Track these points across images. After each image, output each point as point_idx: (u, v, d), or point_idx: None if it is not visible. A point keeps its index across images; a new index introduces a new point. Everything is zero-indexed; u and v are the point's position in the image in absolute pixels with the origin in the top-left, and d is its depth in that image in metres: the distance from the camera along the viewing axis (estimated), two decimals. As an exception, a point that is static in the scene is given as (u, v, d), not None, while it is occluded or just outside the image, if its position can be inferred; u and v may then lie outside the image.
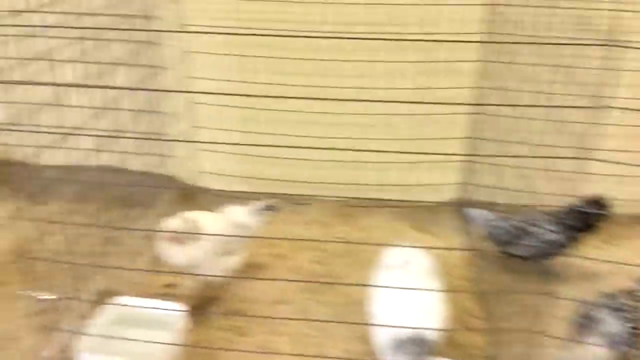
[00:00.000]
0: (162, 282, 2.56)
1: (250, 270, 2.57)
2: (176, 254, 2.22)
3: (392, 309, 1.93)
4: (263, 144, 3.07)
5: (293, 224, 2.96)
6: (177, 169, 3.28)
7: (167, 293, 2.51)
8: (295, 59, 2.90)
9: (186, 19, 2.91)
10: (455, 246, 2.83)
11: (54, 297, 1.83)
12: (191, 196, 3.23)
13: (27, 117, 3.01)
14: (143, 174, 3.30)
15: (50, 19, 2.44)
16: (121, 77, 2.87)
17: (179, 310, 2.14)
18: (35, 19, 2.49)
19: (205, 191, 3.25)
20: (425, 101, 2.81)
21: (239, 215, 2.44)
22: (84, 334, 2.01)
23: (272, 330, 2.29)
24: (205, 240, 2.23)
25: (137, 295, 2.28)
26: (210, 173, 3.23)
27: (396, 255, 2.13)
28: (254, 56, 2.94)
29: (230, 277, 2.39)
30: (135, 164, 3.23)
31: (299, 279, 2.60)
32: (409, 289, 1.88)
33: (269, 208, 2.53)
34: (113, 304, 2.15)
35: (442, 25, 2.83)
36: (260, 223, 2.50)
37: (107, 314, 2.12)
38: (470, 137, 2.97)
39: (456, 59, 2.87)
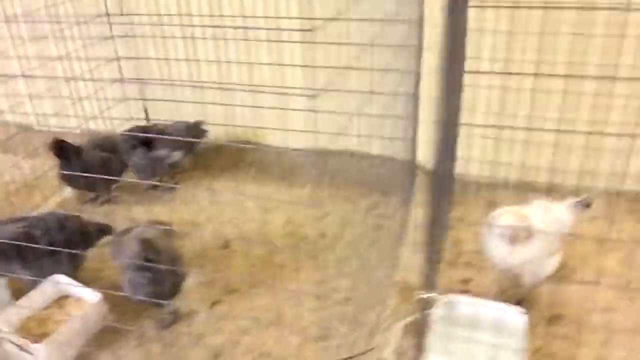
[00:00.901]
0: (458, 277, 2.43)
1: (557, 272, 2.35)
2: (510, 253, 2.04)
3: None
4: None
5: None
6: (423, 153, 3.08)
7: (463, 289, 2.38)
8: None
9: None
10: None
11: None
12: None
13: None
14: (386, 158, 3.16)
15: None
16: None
17: (519, 315, 1.98)
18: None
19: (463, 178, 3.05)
20: None
21: (560, 211, 2.21)
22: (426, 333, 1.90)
23: (606, 340, 2.06)
24: (538, 240, 2.04)
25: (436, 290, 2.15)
26: (469, 160, 3.02)
27: None
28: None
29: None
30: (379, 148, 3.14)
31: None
32: None
33: (585, 203, 2.28)
34: (443, 303, 2.03)
35: None
36: (576, 220, 2.26)
37: (439, 312, 2.00)
38: None
39: None
